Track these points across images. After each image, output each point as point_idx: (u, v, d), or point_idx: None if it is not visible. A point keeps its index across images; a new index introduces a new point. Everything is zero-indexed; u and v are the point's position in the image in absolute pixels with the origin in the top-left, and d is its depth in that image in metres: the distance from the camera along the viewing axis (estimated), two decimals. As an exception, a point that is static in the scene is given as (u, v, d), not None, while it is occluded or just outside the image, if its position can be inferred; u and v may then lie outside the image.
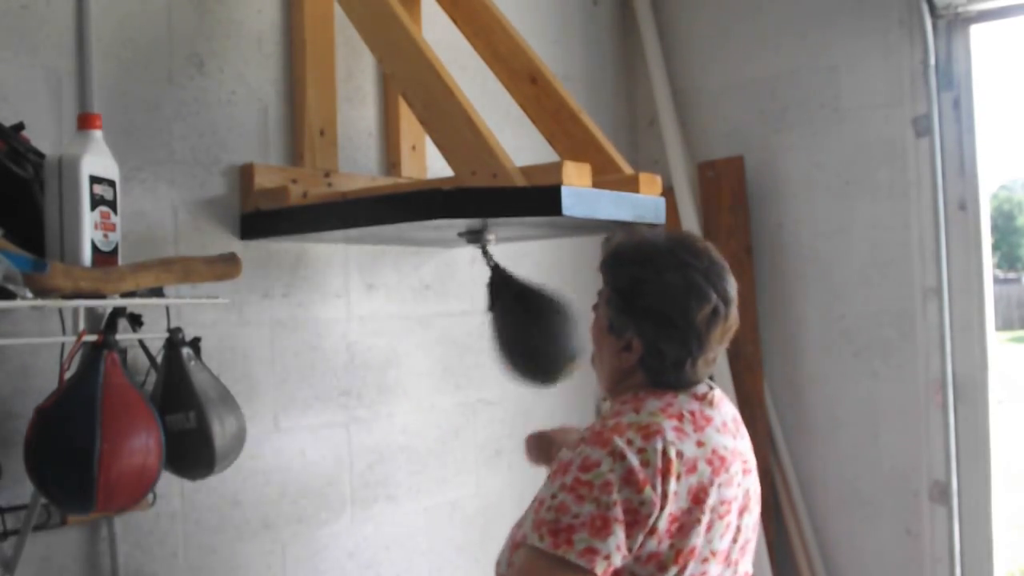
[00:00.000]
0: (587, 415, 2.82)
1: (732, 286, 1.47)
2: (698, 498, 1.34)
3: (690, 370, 1.44)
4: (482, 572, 2.57)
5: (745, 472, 1.45)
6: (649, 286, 1.43)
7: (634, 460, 1.31)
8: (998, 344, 2.76)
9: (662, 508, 1.31)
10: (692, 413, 1.41)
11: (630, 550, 1.30)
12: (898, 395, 2.72)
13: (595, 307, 1.55)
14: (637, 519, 1.30)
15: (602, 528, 1.28)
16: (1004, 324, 14.04)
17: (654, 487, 1.30)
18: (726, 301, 1.44)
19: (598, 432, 1.36)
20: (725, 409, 1.48)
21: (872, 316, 2.76)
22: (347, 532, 2.23)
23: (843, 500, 2.81)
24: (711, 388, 1.49)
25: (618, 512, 1.29)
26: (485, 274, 2.06)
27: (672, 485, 1.32)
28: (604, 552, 1.28)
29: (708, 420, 1.42)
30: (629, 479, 1.30)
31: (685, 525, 1.33)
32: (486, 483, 2.58)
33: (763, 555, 2.75)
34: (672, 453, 1.33)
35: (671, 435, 1.35)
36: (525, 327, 2.03)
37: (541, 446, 1.84)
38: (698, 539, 1.34)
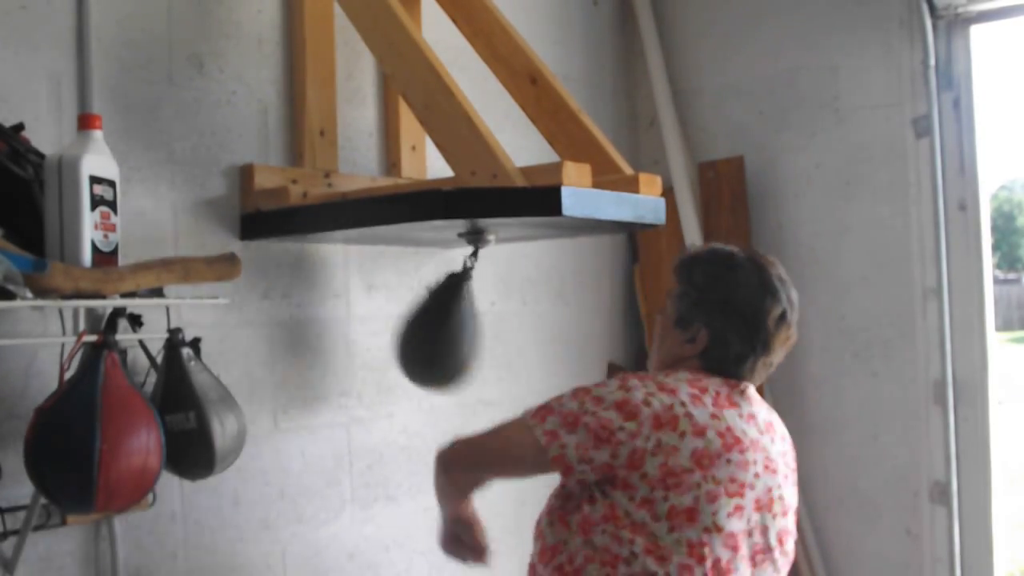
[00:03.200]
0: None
1: (796, 296, 1.56)
2: (702, 463, 1.39)
3: (749, 368, 1.52)
4: (482, 572, 2.57)
5: (768, 470, 1.48)
6: (726, 282, 1.53)
7: (638, 395, 1.41)
8: (998, 344, 2.76)
9: (653, 454, 1.38)
10: (717, 393, 1.47)
11: (590, 460, 1.40)
12: (898, 395, 2.71)
13: (661, 311, 1.63)
14: (609, 440, 1.39)
15: (572, 424, 1.42)
16: (1004, 324, 14.02)
17: (641, 423, 1.39)
18: (793, 307, 1.54)
19: (624, 374, 1.50)
20: (757, 408, 1.53)
21: (872, 316, 2.76)
22: (347, 532, 2.23)
23: (843, 500, 2.81)
24: (742, 382, 1.54)
25: (591, 421, 1.41)
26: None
27: (670, 438, 1.38)
28: (563, 442, 1.42)
29: (732, 404, 1.47)
30: (622, 407, 1.40)
31: (684, 483, 1.38)
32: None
33: (763, 555, 2.76)
34: (680, 412, 1.40)
35: (685, 398, 1.42)
36: (435, 333, 2.07)
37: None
38: (695, 503, 1.38)
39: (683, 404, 1.41)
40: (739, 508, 1.41)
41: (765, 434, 1.50)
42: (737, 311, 1.50)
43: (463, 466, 1.62)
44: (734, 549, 1.42)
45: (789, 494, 1.53)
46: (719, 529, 1.39)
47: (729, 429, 1.42)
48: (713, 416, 1.42)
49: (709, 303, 1.52)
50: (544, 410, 1.46)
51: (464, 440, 1.61)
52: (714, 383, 1.49)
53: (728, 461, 1.40)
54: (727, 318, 1.51)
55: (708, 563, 1.39)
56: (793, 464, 1.58)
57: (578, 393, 1.46)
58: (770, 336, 1.51)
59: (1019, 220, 20.90)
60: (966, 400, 2.62)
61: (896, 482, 2.72)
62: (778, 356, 1.56)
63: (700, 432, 1.39)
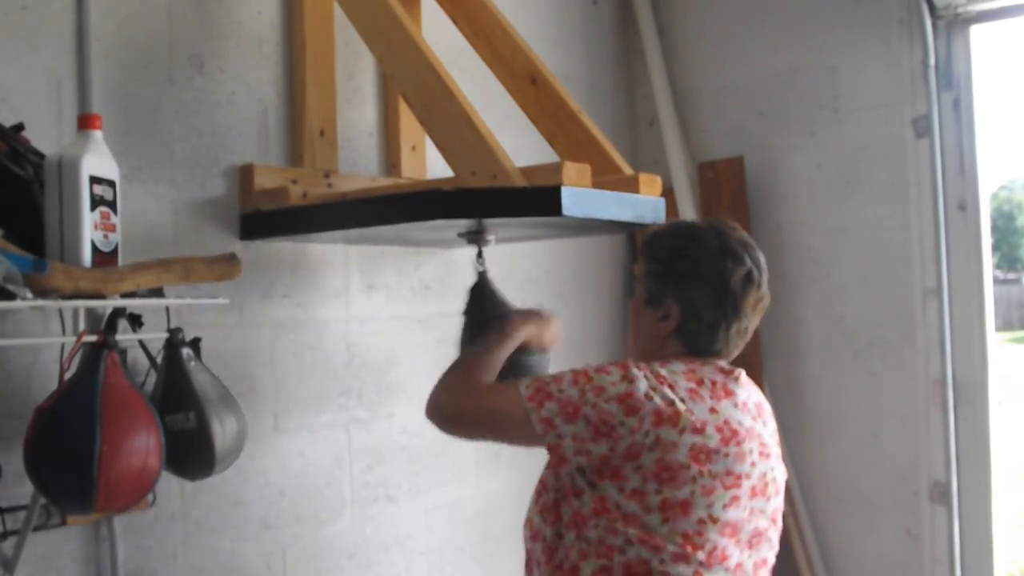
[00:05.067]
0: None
1: (763, 259, 1.56)
2: (698, 459, 1.39)
3: (723, 335, 1.52)
4: (482, 572, 2.57)
5: (763, 455, 1.49)
6: (687, 251, 1.54)
7: (641, 388, 1.40)
8: (998, 344, 2.76)
9: (650, 449, 1.38)
10: (713, 383, 1.47)
11: (588, 453, 1.40)
12: (898, 395, 2.71)
13: (632, 295, 1.63)
14: (609, 434, 1.39)
15: (571, 414, 1.41)
16: (1004, 324, 14.01)
17: (642, 419, 1.38)
18: (759, 268, 1.54)
19: (623, 361, 1.48)
20: (750, 392, 1.53)
21: (872, 316, 2.76)
22: (347, 532, 2.23)
23: (843, 500, 2.81)
24: (735, 368, 1.54)
25: (591, 413, 1.40)
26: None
27: (669, 434, 1.38)
28: (560, 431, 1.42)
29: (729, 393, 1.47)
30: (625, 400, 1.40)
31: (678, 478, 1.39)
32: (486, 483, 2.58)
33: (763, 555, 2.76)
34: (681, 408, 1.40)
35: (684, 393, 1.42)
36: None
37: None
38: (690, 496, 1.39)
39: (683, 400, 1.41)
40: (735, 499, 1.43)
41: (758, 419, 1.51)
42: (703, 278, 1.51)
43: (454, 412, 1.58)
44: (731, 536, 1.43)
45: (780, 471, 1.55)
46: (714, 520, 1.41)
47: (727, 422, 1.43)
48: (712, 411, 1.42)
49: (676, 275, 1.53)
50: (542, 394, 1.44)
51: (455, 397, 1.57)
52: (708, 372, 1.48)
53: (726, 455, 1.41)
54: (694, 287, 1.51)
55: (703, 552, 1.40)
56: (777, 437, 1.60)
57: (579, 378, 1.45)
58: (738, 298, 1.51)
59: (1019, 220, 20.90)
60: (966, 400, 2.62)
61: (896, 482, 2.72)
62: (752, 321, 1.55)
63: (699, 429, 1.40)
